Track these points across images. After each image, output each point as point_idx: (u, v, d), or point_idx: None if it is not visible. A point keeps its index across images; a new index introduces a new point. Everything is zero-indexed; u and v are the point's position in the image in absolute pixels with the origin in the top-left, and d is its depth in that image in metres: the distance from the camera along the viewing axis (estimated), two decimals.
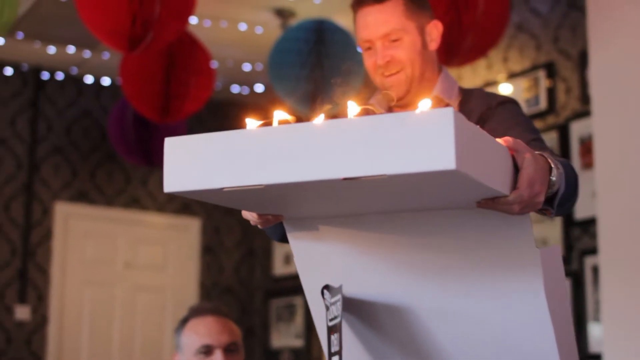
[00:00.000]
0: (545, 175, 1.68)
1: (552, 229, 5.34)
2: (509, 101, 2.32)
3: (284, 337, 7.84)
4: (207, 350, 2.92)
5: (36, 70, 7.39)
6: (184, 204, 7.89)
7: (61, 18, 6.27)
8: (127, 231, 7.73)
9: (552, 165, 1.72)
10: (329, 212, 1.78)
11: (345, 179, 1.44)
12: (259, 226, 1.89)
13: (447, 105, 2.32)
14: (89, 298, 7.49)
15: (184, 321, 3.03)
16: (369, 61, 2.35)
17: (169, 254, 7.94)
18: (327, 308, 1.80)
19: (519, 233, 1.68)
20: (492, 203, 1.60)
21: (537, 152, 1.69)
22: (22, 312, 7.13)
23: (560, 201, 1.78)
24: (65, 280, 7.39)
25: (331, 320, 1.77)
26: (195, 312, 3.03)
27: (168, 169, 1.62)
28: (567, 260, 5.24)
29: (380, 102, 2.40)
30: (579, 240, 5.23)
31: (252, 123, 1.63)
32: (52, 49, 6.97)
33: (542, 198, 1.66)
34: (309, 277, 1.96)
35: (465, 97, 2.35)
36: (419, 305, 1.83)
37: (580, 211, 5.14)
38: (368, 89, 2.50)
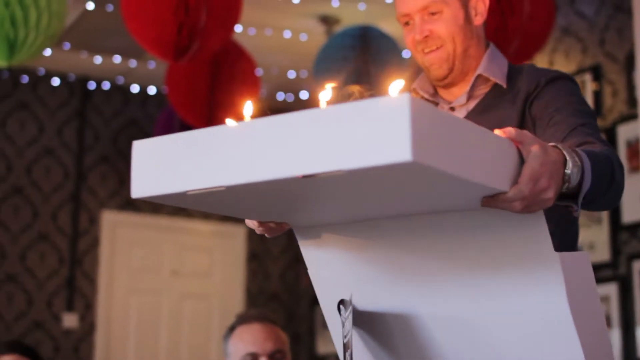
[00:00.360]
0: (557, 169, 1.54)
1: (599, 233, 5.29)
2: (560, 77, 2.11)
3: (330, 344, 7.80)
4: (253, 358, 2.92)
5: (83, 80, 7.46)
6: None
7: (107, 28, 6.32)
8: (174, 239, 7.77)
9: (568, 158, 1.57)
10: (335, 218, 1.72)
11: (304, 176, 1.35)
12: (266, 235, 1.83)
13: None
14: (136, 306, 7.53)
15: (232, 329, 3.03)
16: (408, 38, 2.18)
17: (215, 261, 7.96)
18: (343, 324, 1.72)
19: (534, 235, 1.56)
20: (492, 201, 1.49)
21: (551, 144, 1.57)
22: (70, 320, 7.18)
23: (589, 197, 1.65)
24: (112, 288, 7.44)
25: (345, 336, 1.70)
26: (241, 320, 3.03)
27: (135, 174, 1.56)
28: (614, 264, 5.19)
29: (423, 84, 2.26)
30: (627, 244, 5.18)
31: (231, 123, 1.53)
32: (98, 59, 7.03)
33: (550, 194, 1.52)
34: (322, 288, 1.89)
35: (513, 75, 2.16)
36: (431, 314, 1.74)
37: (628, 215, 5.09)
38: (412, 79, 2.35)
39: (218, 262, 7.97)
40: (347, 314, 1.71)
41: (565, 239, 2.04)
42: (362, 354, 1.85)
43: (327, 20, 6.36)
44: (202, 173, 1.46)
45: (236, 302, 7.87)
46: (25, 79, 7.30)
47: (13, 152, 7.17)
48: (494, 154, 1.45)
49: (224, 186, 1.43)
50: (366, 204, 1.61)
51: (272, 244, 8.14)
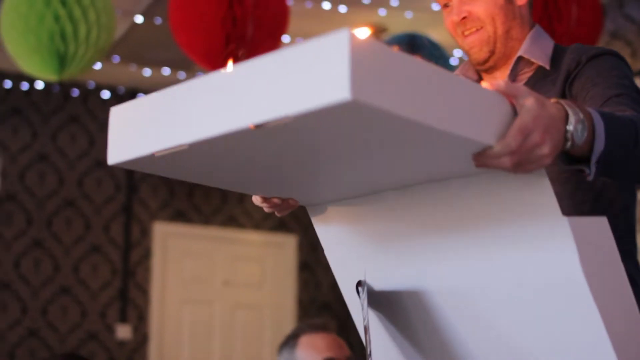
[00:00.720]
0: (555, 125, 1.40)
1: None
2: (603, 53, 1.97)
3: None
4: None
5: (132, 93, 7.52)
6: (281, 221, 7.92)
7: (156, 41, 6.36)
8: (225, 249, 7.79)
9: (569, 113, 1.43)
10: (339, 193, 1.66)
11: (255, 127, 1.25)
12: (276, 213, 1.76)
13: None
14: (189, 316, 7.56)
15: (295, 337, 3.03)
16: (447, 20, 2.06)
17: (266, 271, 7.97)
18: (362, 307, 1.66)
19: (538, 198, 1.43)
20: (481, 158, 1.37)
21: (554, 100, 1.44)
22: (124, 331, 7.23)
23: (606, 161, 1.50)
24: (165, 299, 7.48)
25: (364, 319, 1.65)
26: (308, 328, 3.04)
27: (111, 141, 1.50)
28: None
29: (466, 70, 2.14)
30: None
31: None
32: (147, 72, 7.08)
33: (546, 150, 1.37)
34: (337, 268, 1.82)
35: (558, 57, 2.02)
36: (442, 290, 1.62)
37: None
38: None
39: (269, 272, 7.98)
40: (364, 295, 1.66)
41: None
42: (381, 335, 1.78)
43: (374, 29, 6.34)
44: (165, 133, 1.39)
45: (288, 312, 7.88)
46: (75, 92, 7.37)
47: (65, 165, 7.24)
48: (475, 105, 1.33)
49: (185, 145, 1.35)
50: (364, 175, 1.54)
51: (323, 254, 8.12)
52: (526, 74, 2.05)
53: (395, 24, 6.21)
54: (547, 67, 2.01)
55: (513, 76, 2.05)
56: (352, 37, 1.16)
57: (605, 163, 1.50)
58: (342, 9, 6.10)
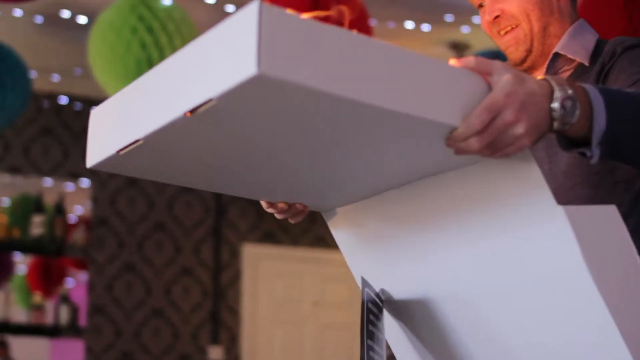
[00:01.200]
0: (535, 101, 1.26)
1: None
2: (638, 44, 1.80)
3: None
4: None
5: None
6: None
7: None
8: (314, 270, 7.81)
9: (556, 89, 1.28)
10: (348, 196, 1.60)
11: (189, 114, 1.19)
12: (290, 220, 1.70)
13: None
14: (280, 337, 7.59)
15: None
16: (482, 21, 1.94)
17: (355, 291, 7.95)
18: (373, 316, 1.58)
19: (528, 187, 1.31)
20: (450, 142, 1.26)
21: (540, 76, 1.31)
22: (216, 353, 7.29)
23: (611, 142, 1.35)
24: (255, 320, 7.52)
25: (365, 326, 1.56)
26: None
27: (89, 143, 1.45)
28: None
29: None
30: None
31: None
32: None
33: (521, 130, 1.24)
34: (356, 274, 1.74)
35: (599, 52, 1.87)
36: (441, 290, 1.53)
37: None
38: None
39: (358, 292, 7.94)
40: (374, 302, 1.58)
41: None
42: (396, 343, 1.70)
43: (458, 47, 6.32)
44: (125, 130, 1.34)
45: None
46: None
47: (154, 189, 7.35)
48: (437, 84, 1.22)
49: (140, 139, 1.31)
50: (359, 176, 1.47)
51: None
52: (566, 72, 1.91)
53: (479, 41, 6.18)
54: (587, 63, 1.87)
55: (550, 74, 1.89)
56: (265, 9, 1.08)
57: (610, 144, 1.35)
58: (426, 27, 6.09)
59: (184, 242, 7.39)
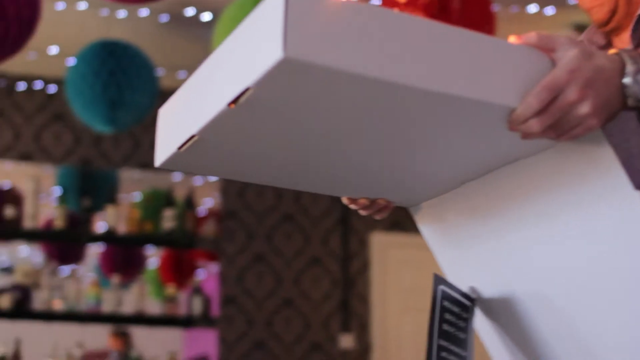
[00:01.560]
0: (604, 78, 1.15)
1: None
2: None
3: None
4: None
5: None
6: None
7: None
8: None
9: (628, 63, 1.17)
10: (431, 192, 1.53)
11: (232, 105, 1.15)
12: (375, 216, 1.64)
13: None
14: (410, 325, 7.57)
15: None
16: None
17: None
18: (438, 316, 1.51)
19: (603, 172, 1.22)
20: (510, 124, 1.18)
21: (613, 50, 1.19)
22: (346, 341, 7.31)
23: None
24: (385, 308, 7.52)
25: (436, 323, 1.50)
26: None
27: (158, 142, 1.43)
28: None
29: (592, 35, 1.75)
30: None
31: None
32: None
33: (586, 109, 1.14)
34: (447, 273, 1.67)
35: None
36: (523, 286, 1.44)
37: None
38: None
39: None
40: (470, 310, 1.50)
41: None
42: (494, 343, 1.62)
43: (584, 29, 6.16)
44: (183, 127, 1.31)
45: None
46: None
47: None
48: (484, 61, 1.14)
49: (195, 135, 1.28)
50: (435, 167, 1.40)
51: None
52: None
53: None
54: None
55: (636, 38, 1.68)
56: None
57: None
58: (549, 10, 5.96)
59: (312, 232, 7.43)
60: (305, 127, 1.25)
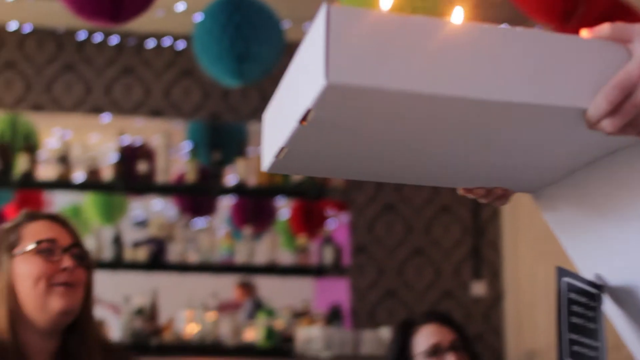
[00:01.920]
0: None
1: None
2: None
3: None
4: None
5: None
6: None
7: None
8: None
9: None
10: (543, 181, 1.47)
11: (302, 122, 1.12)
12: (494, 204, 1.56)
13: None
14: (543, 272, 7.48)
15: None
16: None
17: None
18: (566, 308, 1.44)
19: None
20: (587, 125, 1.10)
21: None
22: (478, 288, 7.29)
23: None
24: (517, 254, 7.45)
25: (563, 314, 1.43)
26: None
27: (264, 149, 1.40)
28: None
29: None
30: None
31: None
32: None
33: None
34: (576, 263, 1.58)
35: None
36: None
37: None
38: None
39: None
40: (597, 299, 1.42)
41: None
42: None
43: None
44: (277, 136, 1.29)
45: None
46: None
47: None
48: (549, 61, 1.06)
49: (284, 146, 1.27)
50: (530, 164, 1.35)
51: None
52: None
53: None
54: None
55: None
56: (334, 12, 0.99)
57: None
58: None
59: None
60: (384, 138, 1.22)
